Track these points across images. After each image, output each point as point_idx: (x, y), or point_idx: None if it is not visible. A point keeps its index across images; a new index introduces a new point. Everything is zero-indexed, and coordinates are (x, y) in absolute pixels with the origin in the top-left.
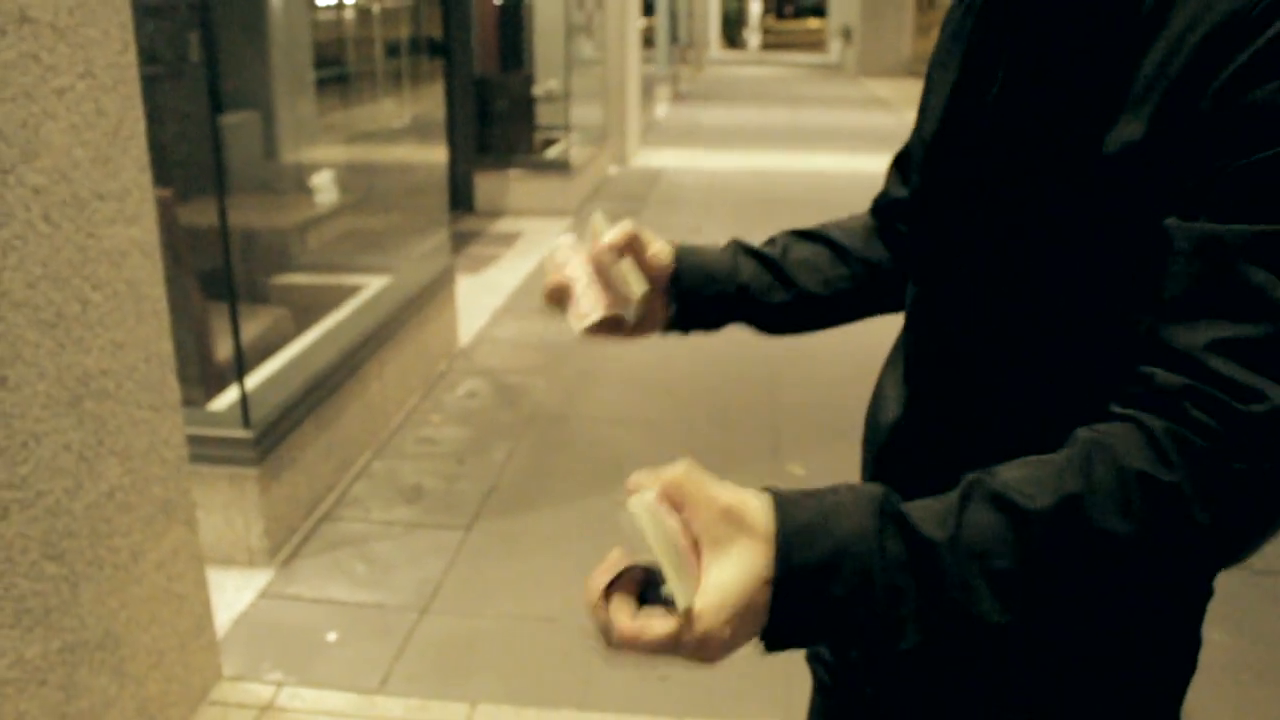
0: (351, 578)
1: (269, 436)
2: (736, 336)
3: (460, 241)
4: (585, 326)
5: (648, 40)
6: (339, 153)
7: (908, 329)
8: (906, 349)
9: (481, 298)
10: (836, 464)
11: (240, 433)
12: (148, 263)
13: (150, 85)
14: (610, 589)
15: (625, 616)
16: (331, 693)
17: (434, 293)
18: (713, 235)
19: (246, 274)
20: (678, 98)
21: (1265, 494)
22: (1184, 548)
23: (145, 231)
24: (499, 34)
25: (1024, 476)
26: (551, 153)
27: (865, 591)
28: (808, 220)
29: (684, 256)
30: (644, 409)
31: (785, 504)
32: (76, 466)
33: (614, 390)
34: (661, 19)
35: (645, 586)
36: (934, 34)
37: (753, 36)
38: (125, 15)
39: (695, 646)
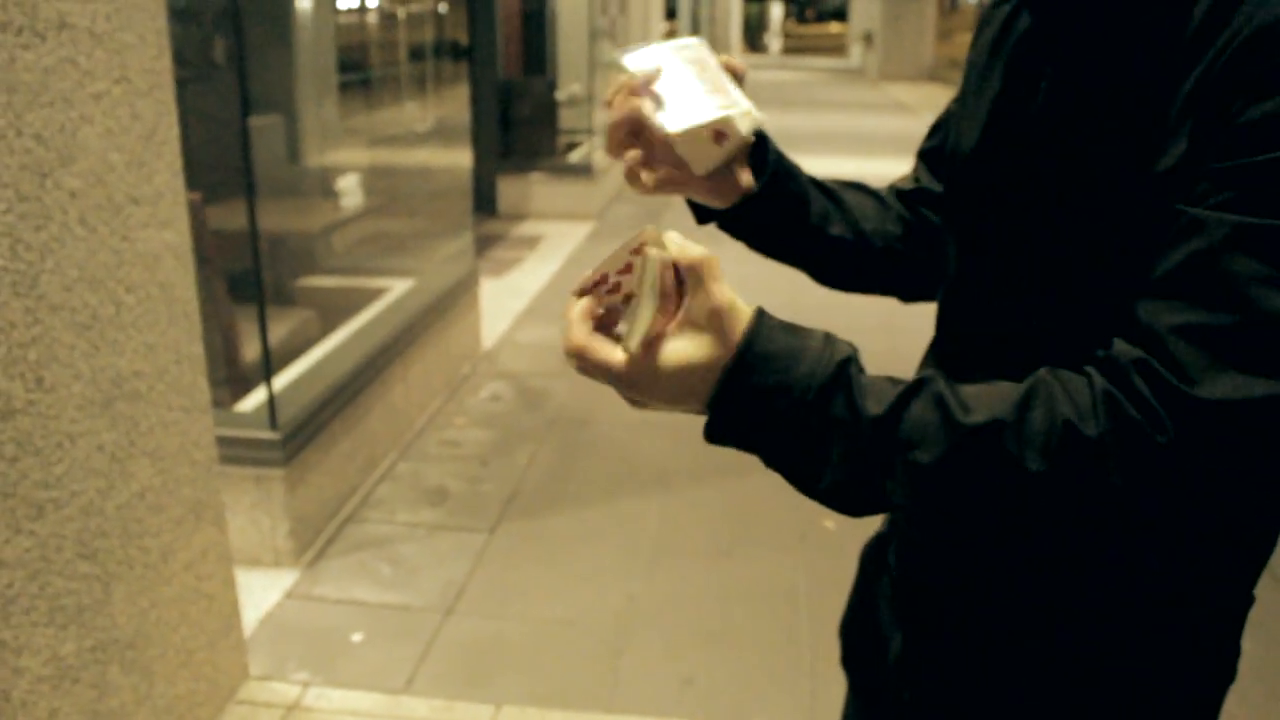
0: (377, 579)
1: (296, 438)
2: None
3: (482, 245)
4: (683, 128)
5: None
6: (363, 156)
7: (940, 332)
8: (937, 353)
9: (504, 301)
10: None
11: (267, 434)
12: (180, 266)
13: (177, 89)
14: (587, 292)
15: (583, 329)
16: (357, 693)
17: (458, 296)
18: (732, 241)
19: (272, 276)
20: None
21: (1187, 478)
22: (1093, 504)
23: (178, 235)
24: (522, 38)
25: (971, 392)
26: (574, 156)
27: (795, 428)
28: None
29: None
30: (665, 414)
31: (762, 329)
32: (109, 467)
33: None
34: (684, 23)
35: (619, 318)
36: (956, 39)
37: (774, 41)
38: (161, 21)
39: (626, 385)
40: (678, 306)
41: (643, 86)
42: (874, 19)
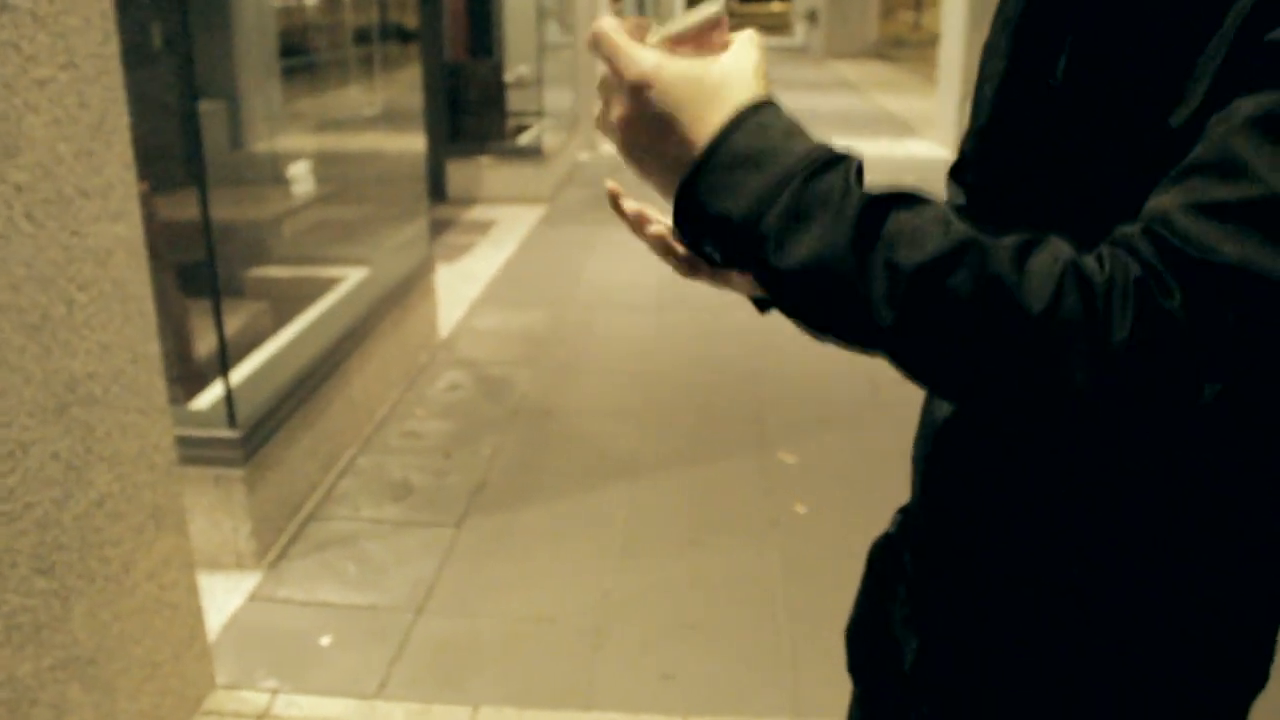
0: (343, 579)
1: (255, 435)
2: (715, 328)
3: (434, 231)
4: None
5: None
6: (311, 142)
7: None
8: None
9: (459, 288)
10: (825, 451)
11: (226, 433)
12: (133, 261)
13: None
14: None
15: (614, 24)
16: (329, 699)
17: (414, 284)
18: None
19: (221, 268)
20: None
21: (1191, 349)
22: (1085, 355)
23: (130, 228)
24: (468, 20)
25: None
26: (524, 139)
27: (780, 191)
28: None
29: None
30: (629, 400)
31: (775, 107)
32: (65, 475)
33: (597, 381)
34: (628, 2)
35: None
36: (899, 16)
37: None
38: (106, 3)
39: (632, 85)
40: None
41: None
42: None
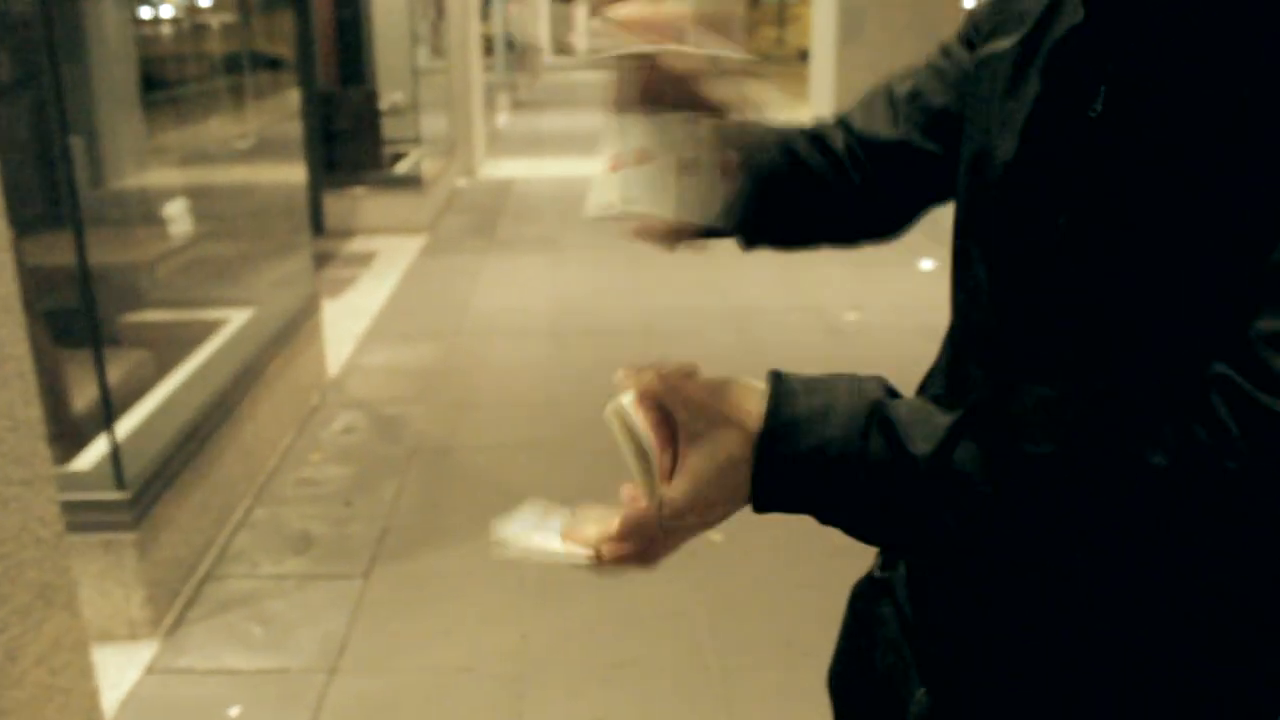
0: (247, 641)
1: (145, 495)
2: (613, 354)
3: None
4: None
5: (486, 48)
6: (179, 176)
7: (961, 351)
8: (949, 377)
9: (344, 323)
10: None
11: (114, 494)
12: (9, 319)
13: None
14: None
15: (600, 530)
16: None
17: (301, 322)
18: (572, 246)
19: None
20: (517, 106)
21: (1255, 500)
22: (1156, 535)
23: (3, 284)
24: (338, 47)
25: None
26: (401, 167)
27: (841, 485)
28: None
29: None
30: (530, 433)
31: (782, 395)
32: None
33: (496, 415)
34: (498, 25)
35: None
36: (762, 31)
37: (581, 40)
38: None
39: (673, 528)
40: (670, 436)
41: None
42: None
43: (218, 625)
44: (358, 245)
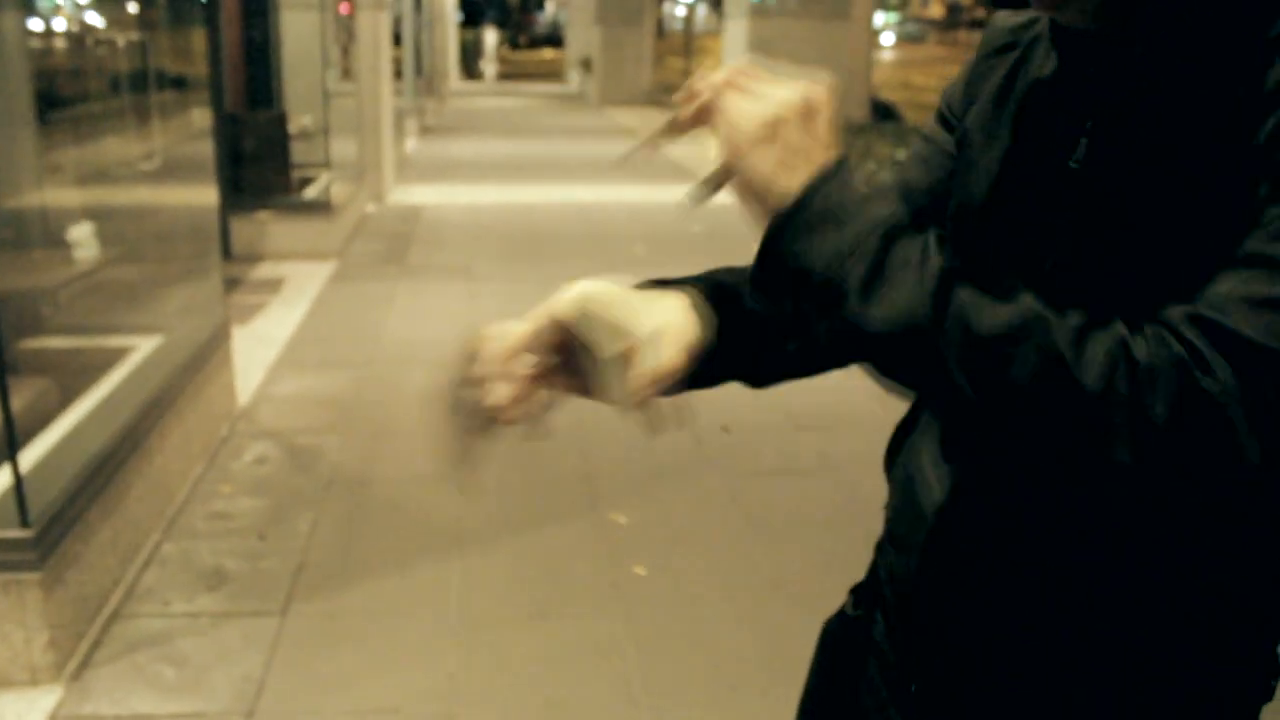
0: (158, 684)
1: (51, 532)
2: None
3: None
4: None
5: (395, 73)
6: (78, 197)
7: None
8: (942, 422)
9: (254, 351)
10: (659, 509)
11: (18, 533)
12: None
13: None
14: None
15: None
16: None
17: (211, 350)
18: (485, 274)
19: None
20: (426, 131)
21: (1225, 421)
22: (1129, 430)
23: None
24: (246, 68)
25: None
26: (310, 192)
27: (859, 242)
28: (580, 256)
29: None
30: (447, 470)
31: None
32: None
33: (414, 445)
34: (407, 50)
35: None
36: (667, 63)
37: (489, 67)
38: None
39: (798, 101)
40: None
41: None
42: (592, 45)
43: (126, 668)
44: (266, 271)
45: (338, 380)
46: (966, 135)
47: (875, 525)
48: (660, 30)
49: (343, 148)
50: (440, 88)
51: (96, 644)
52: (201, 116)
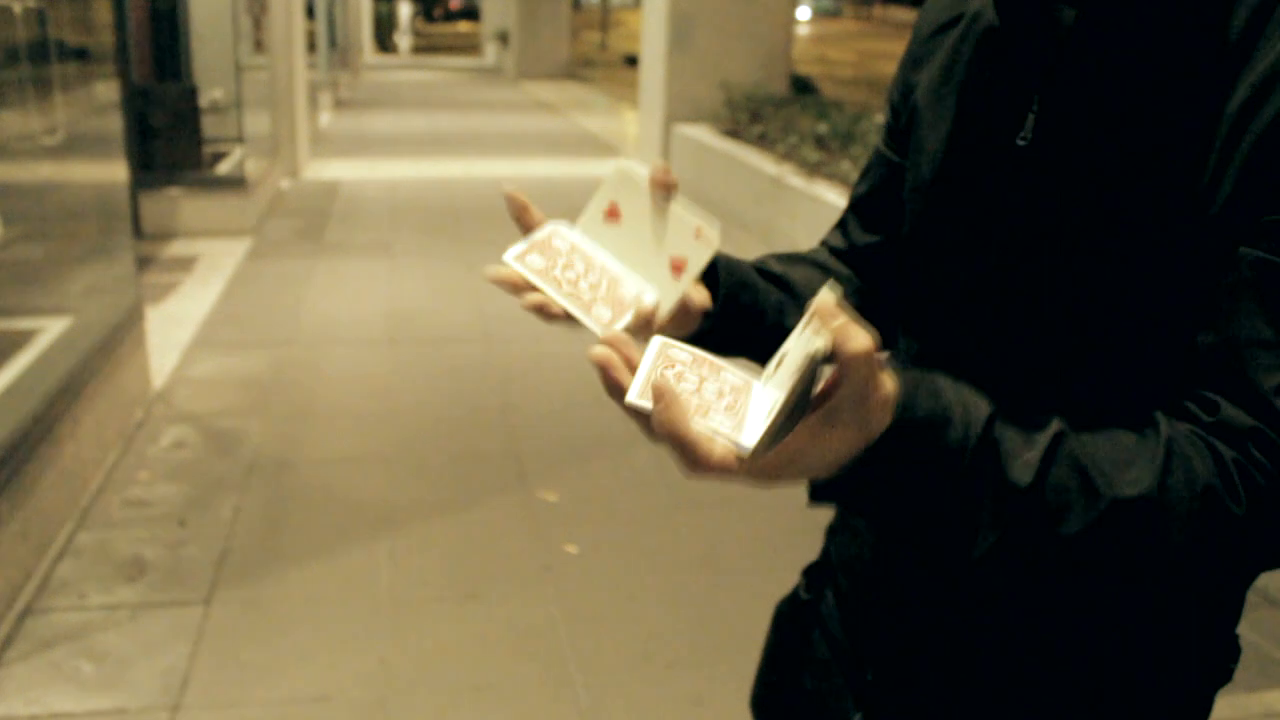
0: (77, 680)
1: None
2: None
3: None
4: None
5: (309, 45)
6: None
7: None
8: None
9: (168, 332)
10: (589, 486)
11: None
12: None
13: None
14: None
15: (682, 416)
16: None
17: (123, 331)
18: (404, 249)
19: None
20: (340, 105)
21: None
22: (1230, 566)
23: None
24: (154, 39)
25: (1105, 453)
26: (223, 167)
27: (944, 494)
28: (500, 231)
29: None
30: (373, 445)
31: (917, 394)
32: None
33: (336, 427)
34: (321, 22)
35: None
36: (585, 36)
37: (404, 40)
38: None
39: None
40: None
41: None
42: (509, 18)
43: (42, 664)
44: (178, 249)
45: (256, 361)
46: (916, 114)
47: (804, 499)
48: (577, 4)
49: (256, 122)
50: (354, 61)
51: (9, 641)
52: (107, 89)
